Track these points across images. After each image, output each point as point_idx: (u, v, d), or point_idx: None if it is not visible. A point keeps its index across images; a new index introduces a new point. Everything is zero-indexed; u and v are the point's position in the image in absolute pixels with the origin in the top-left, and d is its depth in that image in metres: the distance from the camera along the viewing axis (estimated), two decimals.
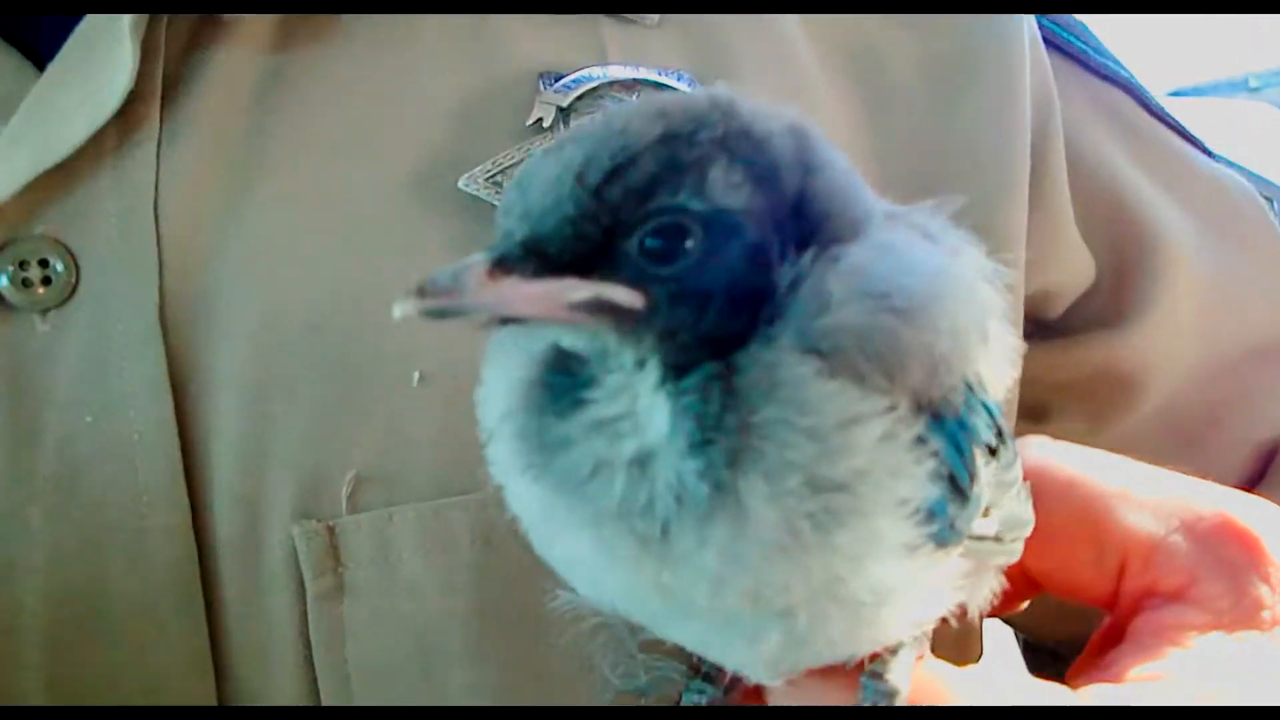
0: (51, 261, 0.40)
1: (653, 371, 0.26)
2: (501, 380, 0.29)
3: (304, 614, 0.39)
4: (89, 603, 0.39)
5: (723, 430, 0.25)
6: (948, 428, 0.27)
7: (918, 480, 0.26)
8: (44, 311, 0.40)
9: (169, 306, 0.40)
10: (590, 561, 0.28)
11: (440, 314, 0.25)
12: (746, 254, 0.26)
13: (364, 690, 0.40)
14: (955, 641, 0.41)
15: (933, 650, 0.32)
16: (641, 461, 0.26)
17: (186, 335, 0.40)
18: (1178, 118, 0.55)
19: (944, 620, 0.32)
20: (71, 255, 0.40)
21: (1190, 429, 0.52)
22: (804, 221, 0.27)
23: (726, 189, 0.26)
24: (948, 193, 0.49)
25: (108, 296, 0.40)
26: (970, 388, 0.28)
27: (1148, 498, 0.34)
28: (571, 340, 0.27)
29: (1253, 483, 0.54)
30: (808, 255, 0.26)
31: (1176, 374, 0.52)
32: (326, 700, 0.40)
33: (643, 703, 0.35)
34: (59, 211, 0.41)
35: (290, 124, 0.42)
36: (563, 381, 0.27)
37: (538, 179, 0.26)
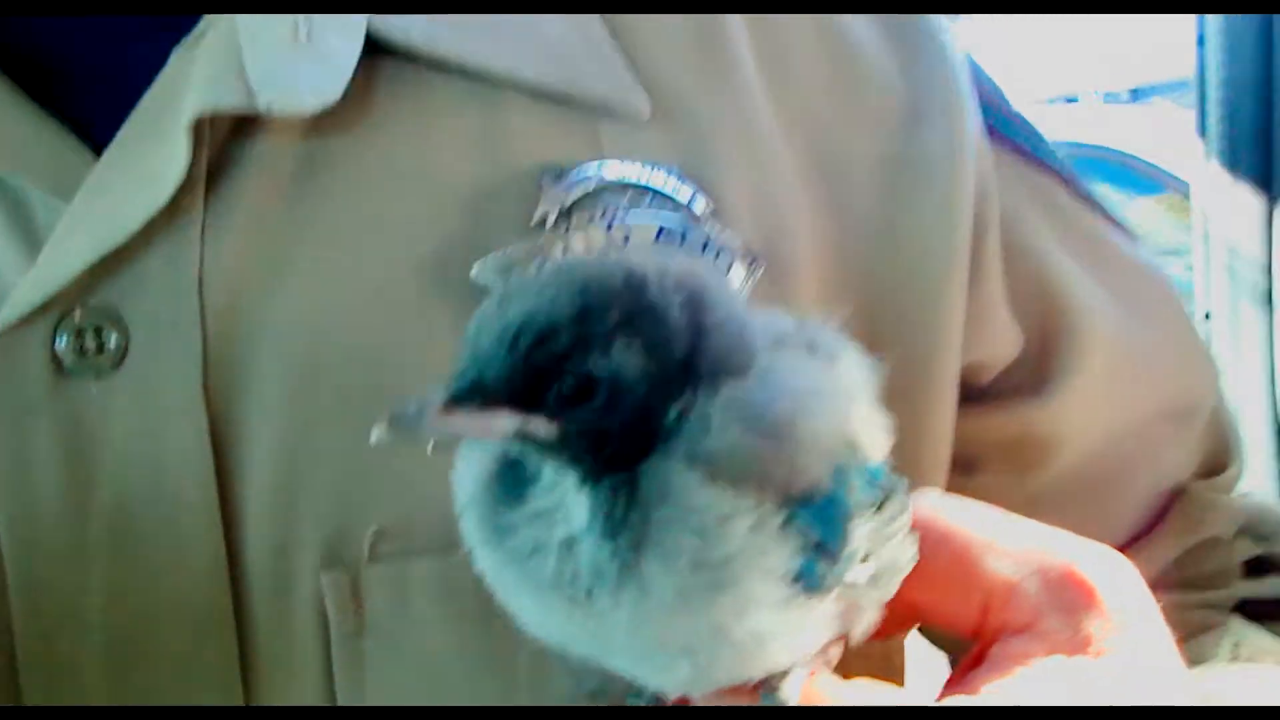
0: (105, 330, 0.46)
1: (575, 475, 0.35)
2: (468, 472, 0.38)
3: (328, 647, 0.45)
4: (140, 635, 0.45)
5: (628, 525, 0.34)
6: (817, 507, 0.35)
7: (784, 555, 0.34)
8: (97, 376, 0.45)
9: (211, 374, 0.46)
10: (535, 615, 0.37)
11: (406, 439, 0.34)
12: (638, 403, 0.34)
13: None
14: (879, 660, 0.50)
15: (860, 664, 0.40)
16: (569, 544, 0.35)
17: (226, 400, 0.46)
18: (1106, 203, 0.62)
19: (866, 642, 0.40)
20: (123, 325, 0.46)
21: (1102, 480, 0.59)
22: (695, 369, 0.35)
23: (625, 358, 0.34)
24: (897, 280, 0.55)
25: (155, 364, 0.46)
26: (840, 471, 0.36)
27: (1010, 548, 0.41)
28: (513, 450, 0.36)
29: (1153, 523, 0.61)
30: (698, 392, 0.34)
31: (1091, 436, 0.59)
32: None
33: (598, 701, 0.43)
34: (112, 285, 0.46)
35: (322, 209, 0.47)
36: (511, 476, 0.36)
37: (485, 332, 0.34)
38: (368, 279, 0.47)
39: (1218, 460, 0.64)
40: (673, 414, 0.34)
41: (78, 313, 0.45)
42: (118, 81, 0.47)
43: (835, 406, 0.36)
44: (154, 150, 0.46)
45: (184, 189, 0.46)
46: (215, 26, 0.47)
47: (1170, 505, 0.61)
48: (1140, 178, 2.78)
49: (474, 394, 0.34)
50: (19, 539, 0.45)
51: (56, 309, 0.45)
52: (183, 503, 0.45)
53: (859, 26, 0.57)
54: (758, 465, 0.34)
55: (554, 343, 0.33)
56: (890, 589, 0.39)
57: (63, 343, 0.45)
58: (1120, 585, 0.40)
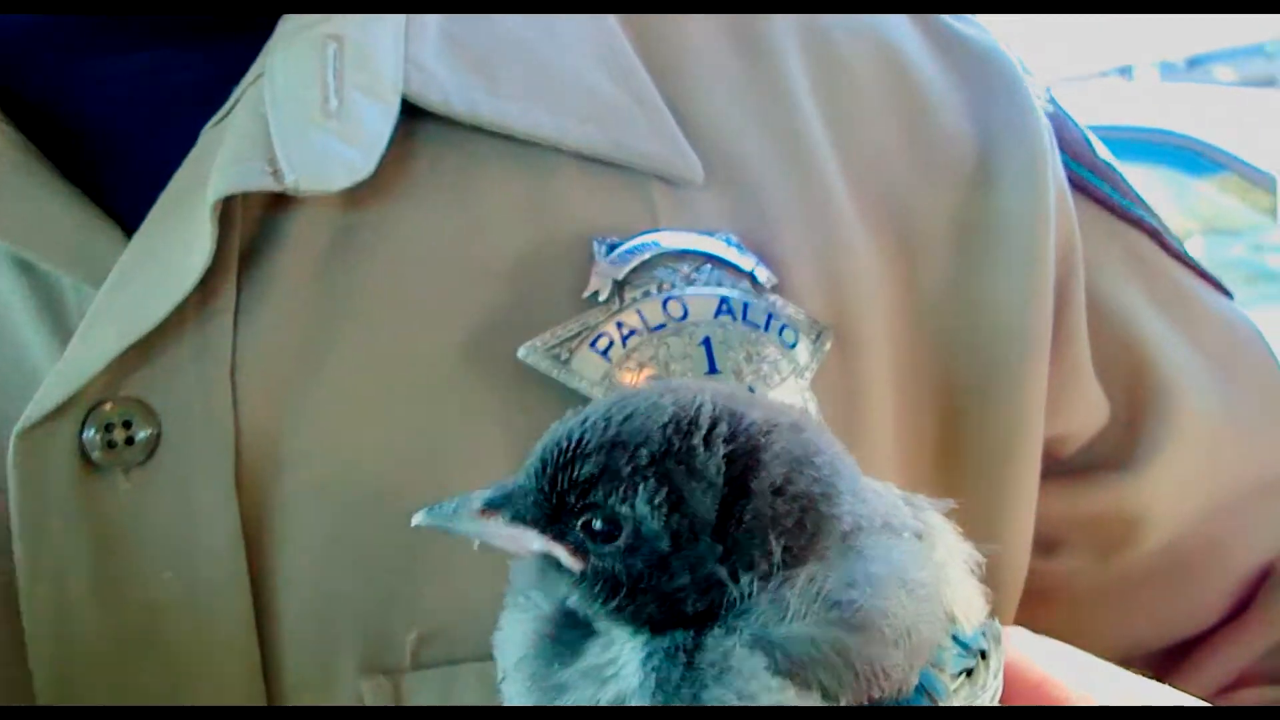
0: (134, 423, 0.43)
1: (633, 629, 0.32)
2: (516, 630, 0.35)
3: None
4: None
5: (678, 697, 0.31)
6: (904, 701, 0.31)
7: None
8: (127, 470, 0.43)
9: (244, 467, 0.43)
10: None
11: (442, 530, 0.33)
12: (660, 557, 0.31)
13: None
14: None
15: None
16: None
17: (260, 495, 0.43)
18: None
19: None
20: (154, 418, 0.43)
21: (1192, 561, 0.55)
22: (748, 535, 0.31)
23: (647, 504, 0.31)
24: (975, 348, 0.51)
25: (187, 457, 0.43)
26: (934, 656, 0.32)
27: (1107, 702, 0.37)
28: (572, 601, 0.33)
29: (1244, 603, 0.57)
30: (777, 567, 0.31)
31: (1181, 512, 0.55)
32: None
33: None
34: (142, 376, 0.43)
35: (357, 287, 0.45)
36: (568, 635, 0.33)
37: (537, 446, 0.32)
38: (407, 362, 0.44)
39: None
40: (745, 583, 0.31)
41: (107, 405, 0.43)
42: (147, 160, 0.45)
43: (930, 596, 0.32)
44: (181, 235, 0.43)
45: (215, 272, 0.43)
46: (244, 101, 0.44)
47: (1260, 588, 0.57)
48: (1200, 158, 2.70)
49: (508, 505, 0.32)
50: (47, 639, 0.43)
51: (85, 402, 0.43)
52: (216, 603, 0.43)
53: (926, 67, 0.53)
54: (833, 666, 0.30)
55: (576, 470, 0.31)
56: None
57: (91, 436, 0.43)
58: None
